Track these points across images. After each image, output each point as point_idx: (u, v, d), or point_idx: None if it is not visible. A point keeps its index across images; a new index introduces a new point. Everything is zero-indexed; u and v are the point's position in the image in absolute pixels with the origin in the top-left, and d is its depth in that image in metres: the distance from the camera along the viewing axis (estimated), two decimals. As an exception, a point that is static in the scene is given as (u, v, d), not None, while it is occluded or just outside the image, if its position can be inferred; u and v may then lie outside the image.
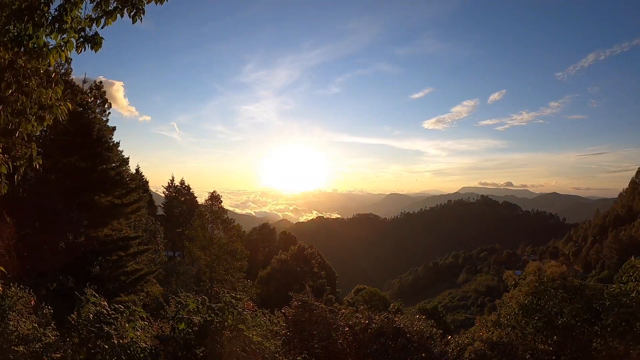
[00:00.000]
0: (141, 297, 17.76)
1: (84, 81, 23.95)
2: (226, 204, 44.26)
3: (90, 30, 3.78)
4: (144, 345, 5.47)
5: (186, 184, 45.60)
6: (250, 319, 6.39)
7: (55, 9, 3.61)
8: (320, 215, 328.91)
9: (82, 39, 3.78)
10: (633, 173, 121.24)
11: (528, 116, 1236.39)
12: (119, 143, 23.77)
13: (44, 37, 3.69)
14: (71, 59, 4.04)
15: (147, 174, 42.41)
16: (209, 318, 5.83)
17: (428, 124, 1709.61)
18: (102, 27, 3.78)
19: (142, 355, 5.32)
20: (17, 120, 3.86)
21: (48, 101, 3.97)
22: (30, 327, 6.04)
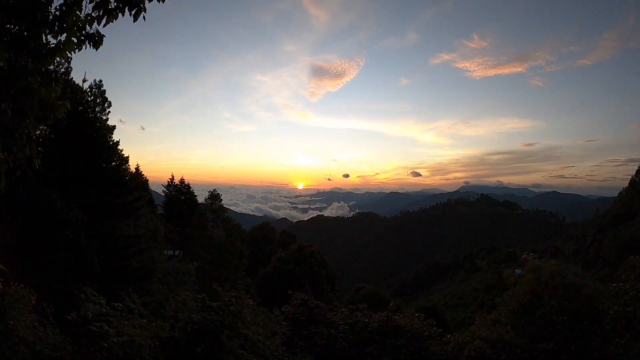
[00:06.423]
0: (141, 296, 17.74)
1: (84, 80, 23.91)
2: (226, 202, 44.35)
3: (90, 28, 3.78)
4: (143, 343, 5.48)
5: (186, 182, 45.75)
6: (250, 317, 6.41)
7: (56, 9, 3.61)
8: (320, 214, 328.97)
9: (82, 37, 3.78)
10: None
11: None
12: (118, 142, 23.84)
13: (44, 37, 3.69)
14: (71, 58, 4.05)
15: (146, 171, 42.51)
16: (209, 317, 5.84)
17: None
18: (103, 26, 3.78)
19: (141, 354, 5.33)
20: (17, 120, 3.86)
21: (48, 100, 3.96)
22: (31, 325, 6.05)
